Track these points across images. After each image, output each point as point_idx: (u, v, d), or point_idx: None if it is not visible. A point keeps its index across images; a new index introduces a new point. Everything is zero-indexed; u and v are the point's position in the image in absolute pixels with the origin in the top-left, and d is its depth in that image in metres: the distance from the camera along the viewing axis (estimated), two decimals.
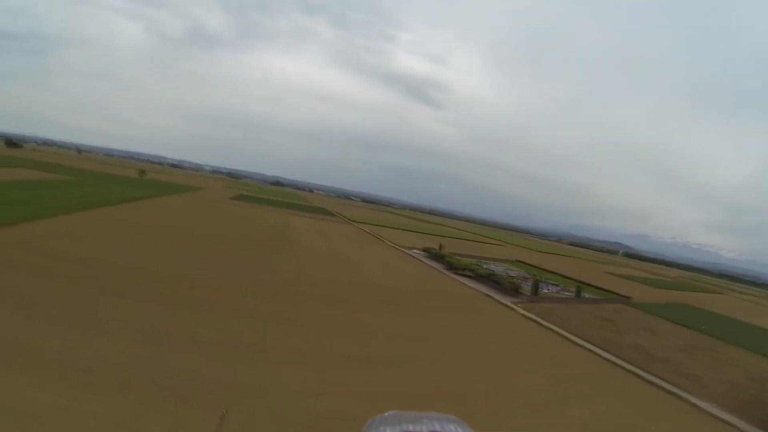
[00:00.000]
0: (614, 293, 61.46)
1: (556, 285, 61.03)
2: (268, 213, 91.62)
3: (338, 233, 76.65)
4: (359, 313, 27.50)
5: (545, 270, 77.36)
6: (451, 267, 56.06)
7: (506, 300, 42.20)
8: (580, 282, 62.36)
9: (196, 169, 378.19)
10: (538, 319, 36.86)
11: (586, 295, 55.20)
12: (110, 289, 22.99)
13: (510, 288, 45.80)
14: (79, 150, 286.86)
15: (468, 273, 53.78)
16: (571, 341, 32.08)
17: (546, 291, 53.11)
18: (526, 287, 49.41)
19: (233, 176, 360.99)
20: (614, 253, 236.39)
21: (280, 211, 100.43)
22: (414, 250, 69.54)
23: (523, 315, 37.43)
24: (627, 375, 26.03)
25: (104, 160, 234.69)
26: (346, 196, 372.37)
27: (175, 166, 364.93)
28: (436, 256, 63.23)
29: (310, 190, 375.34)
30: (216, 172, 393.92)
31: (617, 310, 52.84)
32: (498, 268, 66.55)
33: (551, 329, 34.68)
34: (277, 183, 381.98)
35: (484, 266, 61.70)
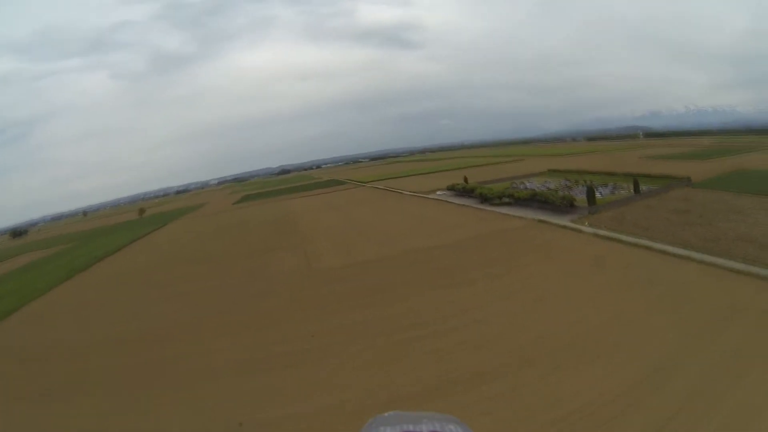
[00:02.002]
0: (671, 177, 53.87)
1: (605, 185, 53.59)
2: (272, 205, 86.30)
3: (351, 201, 70.04)
4: (396, 306, 20.95)
5: (582, 172, 69.64)
6: (485, 198, 48.99)
7: (564, 220, 35.30)
8: (627, 174, 54.91)
9: (203, 187, 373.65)
10: (616, 235, 30.03)
11: (644, 188, 47.78)
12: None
13: (563, 205, 38.74)
14: (85, 213, 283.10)
15: (506, 200, 46.71)
16: (669, 255, 25.32)
17: (599, 195, 45.85)
18: (579, 197, 42.19)
19: (240, 180, 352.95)
20: (635, 137, 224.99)
21: (286, 199, 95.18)
22: (438, 192, 62.51)
23: (595, 235, 30.60)
24: (762, 284, 19.19)
25: (109, 213, 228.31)
26: (354, 161, 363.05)
27: (181, 191, 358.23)
28: (464, 191, 56.07)
29: (318, 167, 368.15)
30: (223, 182, 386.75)
31: (686, 197, 45.51)
32: (534, 185, 59.21)
33: (637, 244, 27.89)
34: (284, 172, 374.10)
35: (521, 187, 54.46)
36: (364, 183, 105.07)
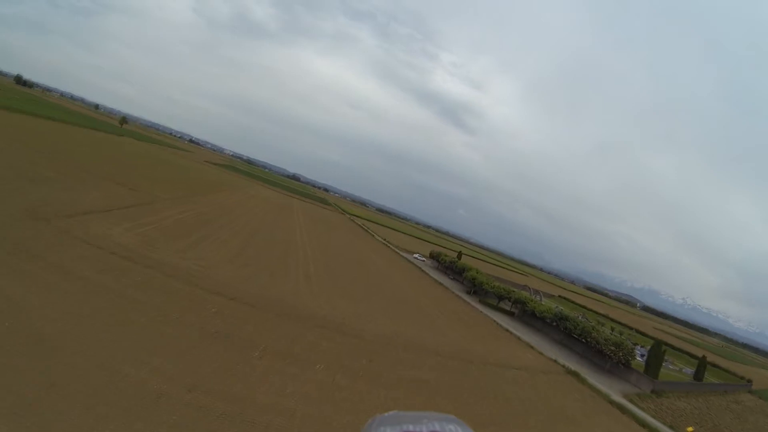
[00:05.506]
0: (734, 374, 38.45)
1: (638, 345, 36.85)
2: (236, 180, 69.97)
3: (310, 215, 52.39)
4: None
5: (600, 315, 53.33)
6: (477, 289, 31.53)
7: (614, 391, 17.78)
8: (661, 342, 38.43)
9: (215, 150, 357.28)
10: None
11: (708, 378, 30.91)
12: None
13: (616, 357, 21.30)
14: (97, 107, 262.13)
15: (508, 307, 29.39)
16: None
17: (639, 359, 28.81)
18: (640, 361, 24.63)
19: (251, 163, 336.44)
20: (632, 305, 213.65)
21: (260, 186, 78.74)
22: (416, 255, 44.91)
23: None
24: None
25: (112, 117, 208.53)
26: (362, 203, 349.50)
27: (194, 142, 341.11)
28: (450, 267, 38.54)
29: (326, 190, 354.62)
30: (237, 157, 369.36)
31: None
32: (548, 304, 41.93)
33: None
34: (295, 178, 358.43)
35: (534, 296, 37.08)
36: (345, 212, 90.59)
